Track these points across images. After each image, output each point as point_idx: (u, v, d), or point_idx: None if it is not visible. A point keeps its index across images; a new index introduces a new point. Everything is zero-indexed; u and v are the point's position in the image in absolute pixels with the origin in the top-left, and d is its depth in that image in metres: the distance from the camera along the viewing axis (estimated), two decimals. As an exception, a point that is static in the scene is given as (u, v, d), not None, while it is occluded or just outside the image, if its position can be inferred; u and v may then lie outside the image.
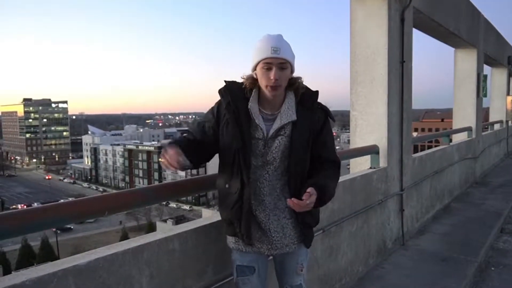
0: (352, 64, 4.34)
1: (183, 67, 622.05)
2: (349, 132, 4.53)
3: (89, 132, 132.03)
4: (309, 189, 1.76)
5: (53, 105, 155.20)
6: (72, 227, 58.51)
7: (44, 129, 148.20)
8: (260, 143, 1.90)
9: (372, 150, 4.16)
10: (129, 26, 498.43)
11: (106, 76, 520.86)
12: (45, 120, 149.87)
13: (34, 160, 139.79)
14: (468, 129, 7.95)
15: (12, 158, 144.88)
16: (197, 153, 1.91)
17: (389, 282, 3.66)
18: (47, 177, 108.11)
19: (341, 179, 3.54)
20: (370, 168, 4.15)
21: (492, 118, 11.94)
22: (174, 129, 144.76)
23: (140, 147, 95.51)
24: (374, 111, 4.22)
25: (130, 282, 1.80)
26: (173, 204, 68.94)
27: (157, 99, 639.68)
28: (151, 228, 48.70)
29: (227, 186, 1.95)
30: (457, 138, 7.93)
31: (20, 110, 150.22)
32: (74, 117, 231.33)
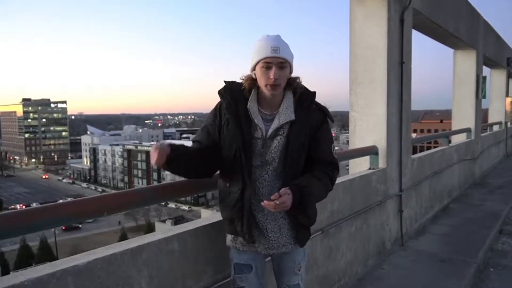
0: (352, 65, 4.34)
1: (182, 67, 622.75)
2: (348, 133, 4.53)
3: (88, 132, 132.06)
4: (282, 190, 1.77)
5: (52, 105, 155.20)
6: (80, 225, 58.76)
7: (43, 129, 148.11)
8: (259, 143, 1.91)
9: (371, 151, 4.16)
10: (128, 26, 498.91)
11: (105, 76, 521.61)
12: (44, 120, 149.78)
13: (33, 160, 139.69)
14: (467, 130, 7.95)
15: (11, 158, 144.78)
16: (205, 161, 1.94)
17: (388, 283, 3.66)
18: (43, 176, 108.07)
19: (341, 179, 3.55)
20: (369, 169, 4.15)
21: (491, 120, 11.96)
22: (173, 129, 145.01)
23: (139, 147, 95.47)
24: (374, 111, 4.23)
25: (129, 282, 1.79)
26: (172, 205, 68.85)
27: (156, 99, 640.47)
28: (150, 228, 48.62)
29: (228, 185, 1.96)
30: (456, 139, 7.95)
31: (19, 110, 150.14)
32: (73, 117, 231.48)
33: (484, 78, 8.38)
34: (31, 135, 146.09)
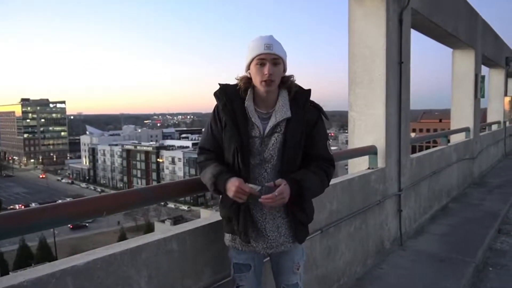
0: (351, 65, 4.35)
1: (181, 67, 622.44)
2: (347, 133, 4.54)
3: (87, 132, 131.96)
4: (277, 180, 1.85)
5: (51, 105, 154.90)
6: (87, 224, 58.78)
7: (42, 129, 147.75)
8: (257, 141, 1.93)
9: (370, 151, 4.16)
10: (128, 26, 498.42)
11: (104, 76, 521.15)
12: (43, 120, 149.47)
13: (32, 160, 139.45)
14: (466, 129, 7.96)
15: (10, 158, 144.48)
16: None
17: (387, 283, 3.67)
18: (41, 176, 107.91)
19: (340, 179, 3.55)
20: (368, 168, 4.16)
21: (490, 119, 11.97)
22: (172, 129, 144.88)
23: (138, 147, 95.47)
24: (372, 111, 4.23)
25: (129, 282, 1.80)
26: (171, 205, 68.79)
27: (155, 99, 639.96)
28: (150, 228, 48.58)
29: None
30: (455, 138, 7.95)
31: (18, 110, 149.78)
32: (72, 117, 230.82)
33: (483, 77, 8.39)
34: (30, 135, 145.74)
